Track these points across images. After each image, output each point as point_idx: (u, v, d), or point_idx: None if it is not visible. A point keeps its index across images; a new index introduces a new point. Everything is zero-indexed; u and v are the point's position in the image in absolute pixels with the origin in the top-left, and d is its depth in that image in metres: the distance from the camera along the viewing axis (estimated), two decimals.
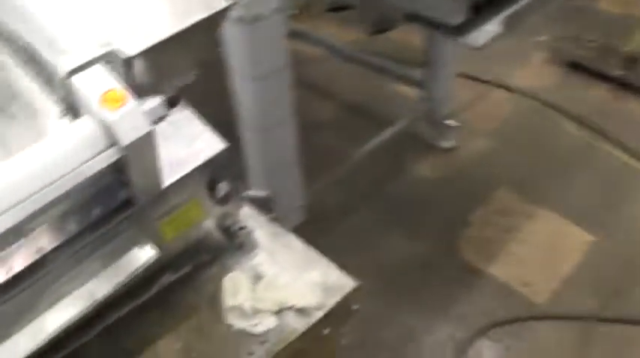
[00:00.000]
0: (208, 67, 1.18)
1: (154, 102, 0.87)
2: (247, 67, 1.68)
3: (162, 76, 1.11)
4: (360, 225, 2.46)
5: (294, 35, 3.18)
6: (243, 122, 1.87)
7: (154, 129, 0.85)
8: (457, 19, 1.41)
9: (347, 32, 3.62)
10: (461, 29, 1.44)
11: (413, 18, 1.50)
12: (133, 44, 0.97)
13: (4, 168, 0.82)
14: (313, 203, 2.26)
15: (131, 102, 0.84)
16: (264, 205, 2.07)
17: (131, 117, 0.83)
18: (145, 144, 0.86)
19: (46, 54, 0.92)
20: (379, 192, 2.61)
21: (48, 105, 0.97)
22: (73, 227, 0.91)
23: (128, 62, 0.98)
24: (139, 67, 1.04)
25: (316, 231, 2.39)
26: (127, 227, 0.99)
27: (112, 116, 0.82)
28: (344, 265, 2.16)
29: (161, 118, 0.89)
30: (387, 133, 2.51)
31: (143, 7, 1.03)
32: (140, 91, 1.06)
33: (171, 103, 0.89)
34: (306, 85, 3.28)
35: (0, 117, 0.96)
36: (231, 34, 1.66)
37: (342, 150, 2.70)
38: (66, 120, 0.93)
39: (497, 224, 2.40)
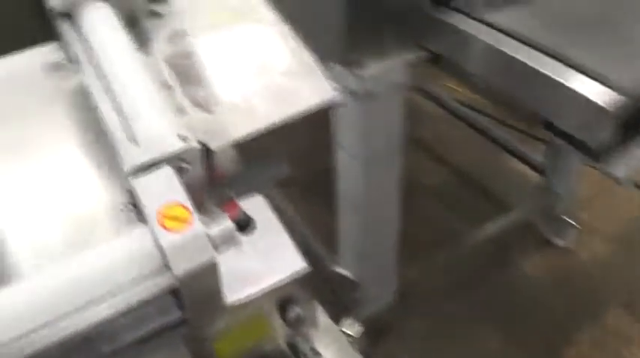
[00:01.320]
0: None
1: (224, 224, 0.72)
2: (357, 145, 1.53)
3: (251, 168, 0.98)
4: (453, 316, 2.24)
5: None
6: (342, 199, 1.71)
7: (217, 261, 0.70)
8: (597, 139, 1.15)
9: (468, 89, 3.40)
10: (600, 152, 1.17)
11: (548, 126, 1.27)
12: (217, 136, 0.85)
13: (37, 282, 0.70)
14: (405, 282, 2.06)
15: (194, 225, 0.69)
16: (348, 286, 1.92)
17: (190, 244, 0.69)
18: (205, 275, 0.71)
19: (119, 144, 0.80)
20: (480, 282, 2.37)
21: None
22: (106, 347, 0.78)
23: (209, 156, 0.86)
24: (223, 158, 0.92)
25: (403, 315, 2.23)
26: (176, 344, 0.86)
27: (167, 239, 0.68)
28: None
29: (229, 244, 0.74)
30: (499, 224, 2.27)
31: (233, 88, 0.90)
32: (224, 184, 0.93)
33: (244, 226, 0.74)
34: (415, 143, 3.08)
35: None
36: (342, 109, 1.51)
37: (445, 225, 2.49)
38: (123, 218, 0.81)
39: (608, 348, 2.11)
